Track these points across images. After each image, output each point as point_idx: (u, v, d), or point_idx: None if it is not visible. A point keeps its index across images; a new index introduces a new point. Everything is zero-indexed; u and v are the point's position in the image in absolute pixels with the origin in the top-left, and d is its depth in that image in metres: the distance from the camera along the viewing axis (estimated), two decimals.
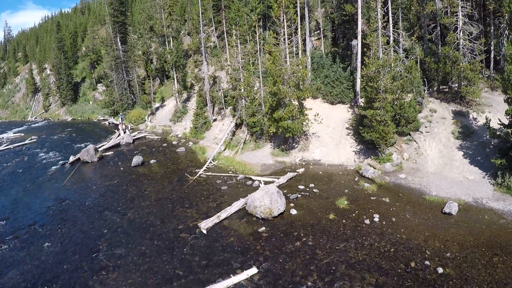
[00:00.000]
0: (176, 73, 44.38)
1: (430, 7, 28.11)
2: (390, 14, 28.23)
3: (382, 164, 23.66)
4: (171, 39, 47.08)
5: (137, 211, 20.46)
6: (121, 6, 55.80)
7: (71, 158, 31.95)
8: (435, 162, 22.69)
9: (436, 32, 29.37)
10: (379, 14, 26.18)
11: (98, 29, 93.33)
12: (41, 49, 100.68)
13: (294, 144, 27.82)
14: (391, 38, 28.19)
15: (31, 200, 23.83)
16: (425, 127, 25.07)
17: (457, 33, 25.50)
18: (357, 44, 29.64)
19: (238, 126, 33.14)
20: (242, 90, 31.36)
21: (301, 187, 21.89)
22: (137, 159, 29.36)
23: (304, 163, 26.12)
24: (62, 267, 15.44)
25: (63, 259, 16.07)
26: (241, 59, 32.24)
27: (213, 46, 51.78)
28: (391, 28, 28.25)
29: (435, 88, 28.46)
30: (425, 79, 28.07)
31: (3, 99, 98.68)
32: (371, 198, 19.83)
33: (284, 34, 27.47)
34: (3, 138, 53.28)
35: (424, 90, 27.35)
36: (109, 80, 54.70)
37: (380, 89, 23.15)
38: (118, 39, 54.83)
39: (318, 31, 42.42)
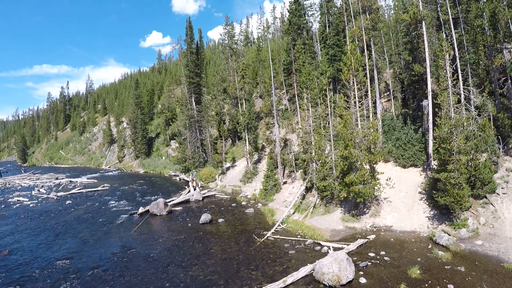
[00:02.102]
0: (247, 134, 45.37)
1: (498, 60, 27.01)
2: (459, 71, 27.37)
3: (457, 230, 21.84)
4: (244, 101, 48.91)
5: (202, 268, 20.14)
6: (196, 68, 59.72)
7: (141, 209, 33.02)
8: None
9: (507, 86, 27.81)
10: (448, 72, 25.44)
11: (174, 88, 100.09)
12: (120, 103, 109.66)
13: (365, 209, 26.52)
14: (462, 96, 27.14)
15: (97, 244, 24.65)
16: (502, 188, 23.06)
17: None
18: (427, 104, 28.80)
19: (308, 189, 32.50)
20: (313, 154, 31.10)
21: (372, 254, 20.47)
22: (205, 217, 29.56)
23: (375, 229, 24.69)
24: None
25: None
26: (312, 122, 32.35)
27: (284, 109, 52.77)
28: (461, 86, 27.21)
29: (510, 146, 26.44)
30: (499, 136, 26.30)
31: (80, 146, 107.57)
32: (445, 267, 18.05)
33: (354, 97, 27.33)
34: (77, 182, 57.25)
35: (499, 149, 25.52)
36: (183, 137, 57.38)
37: (453, 151, 21.89)
38: (193, 99, 58.22)
39: (388, 93, 42.02)
